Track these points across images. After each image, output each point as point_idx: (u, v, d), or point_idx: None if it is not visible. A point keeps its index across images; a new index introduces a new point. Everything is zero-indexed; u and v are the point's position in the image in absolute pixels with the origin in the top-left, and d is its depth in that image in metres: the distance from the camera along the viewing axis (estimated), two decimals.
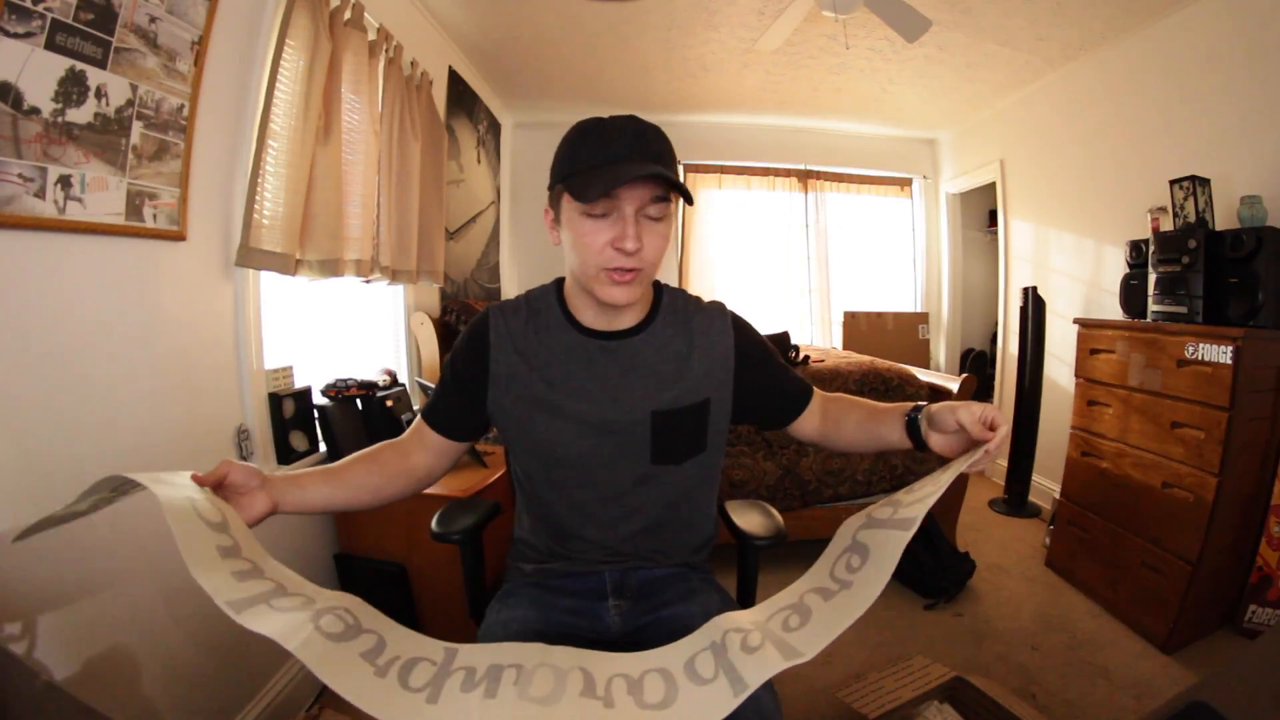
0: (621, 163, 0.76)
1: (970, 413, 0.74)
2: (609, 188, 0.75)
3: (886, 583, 0.59)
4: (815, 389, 1.01)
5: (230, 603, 0.53)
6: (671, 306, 0.94)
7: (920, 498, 0.66)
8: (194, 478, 0.69)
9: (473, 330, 0.92)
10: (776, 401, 0.98)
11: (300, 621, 0.54)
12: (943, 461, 0.78)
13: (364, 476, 0.89)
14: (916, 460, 2.40)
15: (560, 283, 0.95)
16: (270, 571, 0.61)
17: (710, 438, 0.93)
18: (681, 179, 4.20)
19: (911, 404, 0.86)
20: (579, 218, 0.79)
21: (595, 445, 0.88)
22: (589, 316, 0.90)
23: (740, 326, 0.97)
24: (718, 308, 0.97)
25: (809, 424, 0.99)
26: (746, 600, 1.09)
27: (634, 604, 0.94)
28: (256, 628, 0.52)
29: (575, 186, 0.77)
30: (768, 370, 0.97)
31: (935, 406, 0.81)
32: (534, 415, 0.88)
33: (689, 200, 0.80)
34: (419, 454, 0.94)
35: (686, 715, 0.54)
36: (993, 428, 0.72)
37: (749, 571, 1.08)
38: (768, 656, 0.57)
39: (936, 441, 0.79)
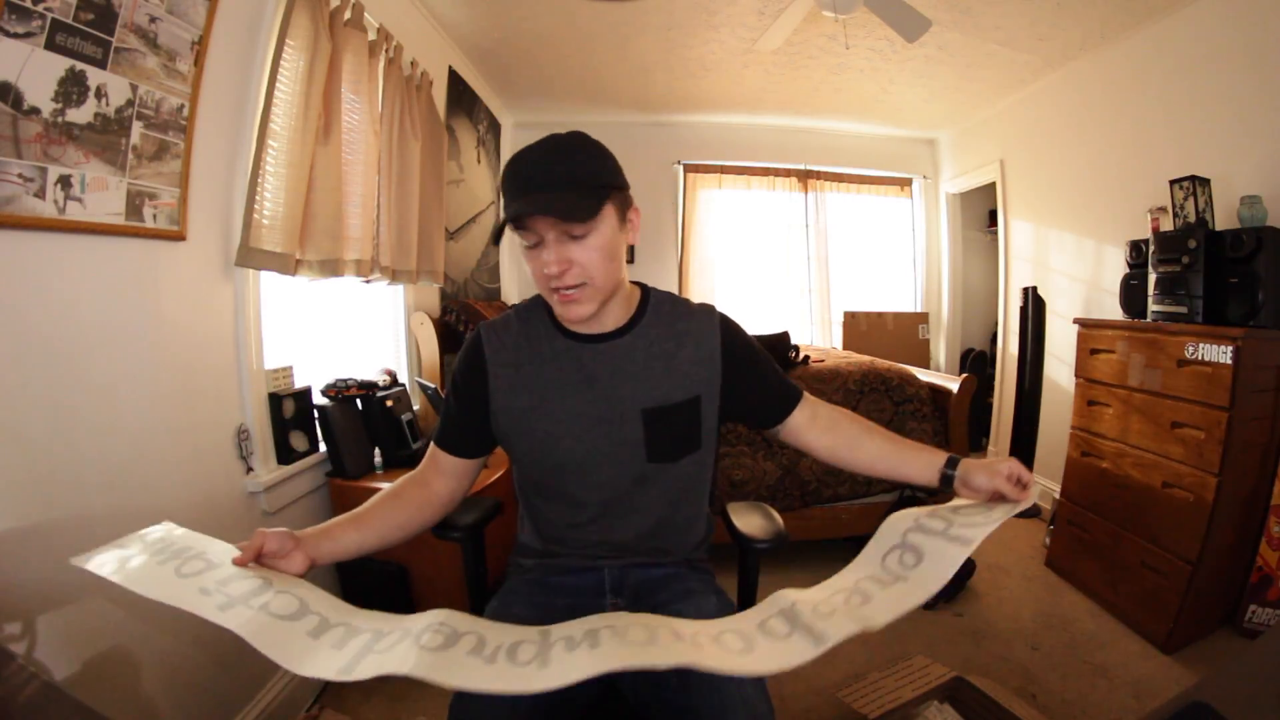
0: (525, 196, 0.79)
1: (1005, 481, 0.81)
2: (504, 229, 0.80)
3: (944, 584, 0.67)
4: (808, 395, 1.02)
5: (340, 670, 0.57)
6: (658, 309, 0.96)
7: (971, 523, 0.74)
8: (236, 560, 0.70)
9: (469, 351, 0.95)
10: (763, 401, 1.00)
11: (405, 650, 0.59)
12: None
13: (390, 515, 0.91)
14: None
15: None
16: (363, 621, 0.66)
17: (704, 435, 0.95)
18: (683, 180, 4.27)
19: (944, 456, 0.90)
20: (523, 250, 0.85)
21: (592, 446, 0.90)
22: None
23: (727, 327, 0.98)
24: (706, 309, 0.99)
25: (806, 433, 1.00)
26: (746, 603, 1.08)
27: (631, 602, 0.96)
28: (372, 674, 0.56)
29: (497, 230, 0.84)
30: (754, 370, 0.98)
31: (970, 467, 0.86)
32: (533, 423, 0.91)
33: (590, 214, 0.79)
34: (438, 480, 0.97)
35: (767, 660, 0.61)
36: (1023, 485, 0.81)
37: (749, 574, 1.08)
38: (843, 621, 0.63)
39: (966, 494, 0.86)
